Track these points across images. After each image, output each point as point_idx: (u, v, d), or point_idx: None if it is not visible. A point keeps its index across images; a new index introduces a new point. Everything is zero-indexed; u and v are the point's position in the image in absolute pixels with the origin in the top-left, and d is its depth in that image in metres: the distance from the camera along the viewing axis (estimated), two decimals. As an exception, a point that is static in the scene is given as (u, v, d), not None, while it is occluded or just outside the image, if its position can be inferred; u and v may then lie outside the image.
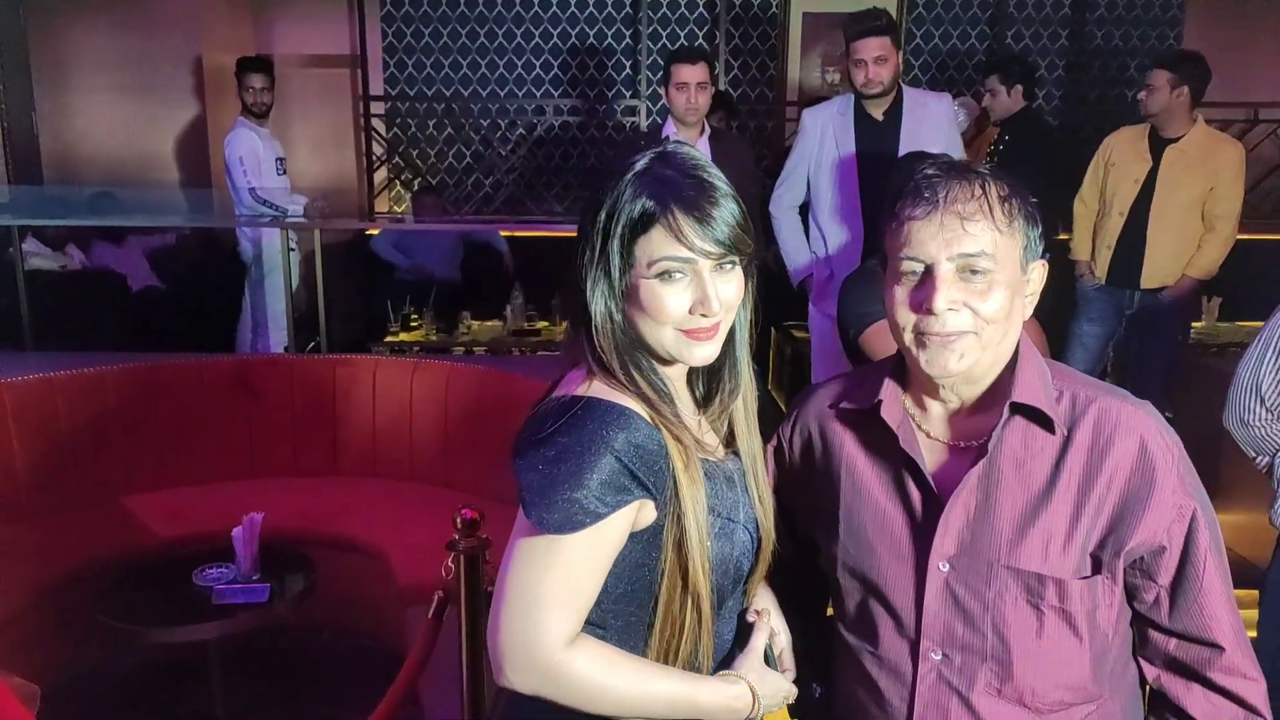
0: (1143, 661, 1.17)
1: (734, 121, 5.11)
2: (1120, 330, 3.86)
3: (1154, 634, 1.14)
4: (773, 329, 5.03)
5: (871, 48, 3.06)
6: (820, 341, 3.40)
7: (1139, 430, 1.09)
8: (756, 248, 1.10)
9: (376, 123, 5.92)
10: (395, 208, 6.08)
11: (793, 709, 1.26)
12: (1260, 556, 3.23)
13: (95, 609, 2.54)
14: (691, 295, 1.05)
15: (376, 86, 5.92)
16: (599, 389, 1.06)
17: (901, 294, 1.11)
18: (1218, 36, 5.88)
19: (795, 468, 1.30)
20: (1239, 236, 5.04)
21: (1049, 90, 6.01)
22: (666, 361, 1.11)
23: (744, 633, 1.18)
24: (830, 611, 1.30)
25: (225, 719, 2.66)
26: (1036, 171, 3.91)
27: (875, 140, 3.15)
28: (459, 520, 1.81)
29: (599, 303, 1.07)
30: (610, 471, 1.01)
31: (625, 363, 1.07)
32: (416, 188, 5.91)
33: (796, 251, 3.34)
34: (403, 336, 4.76)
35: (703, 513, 1.06)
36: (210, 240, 5.40)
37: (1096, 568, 1.09)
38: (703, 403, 1.18)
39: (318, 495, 3.34)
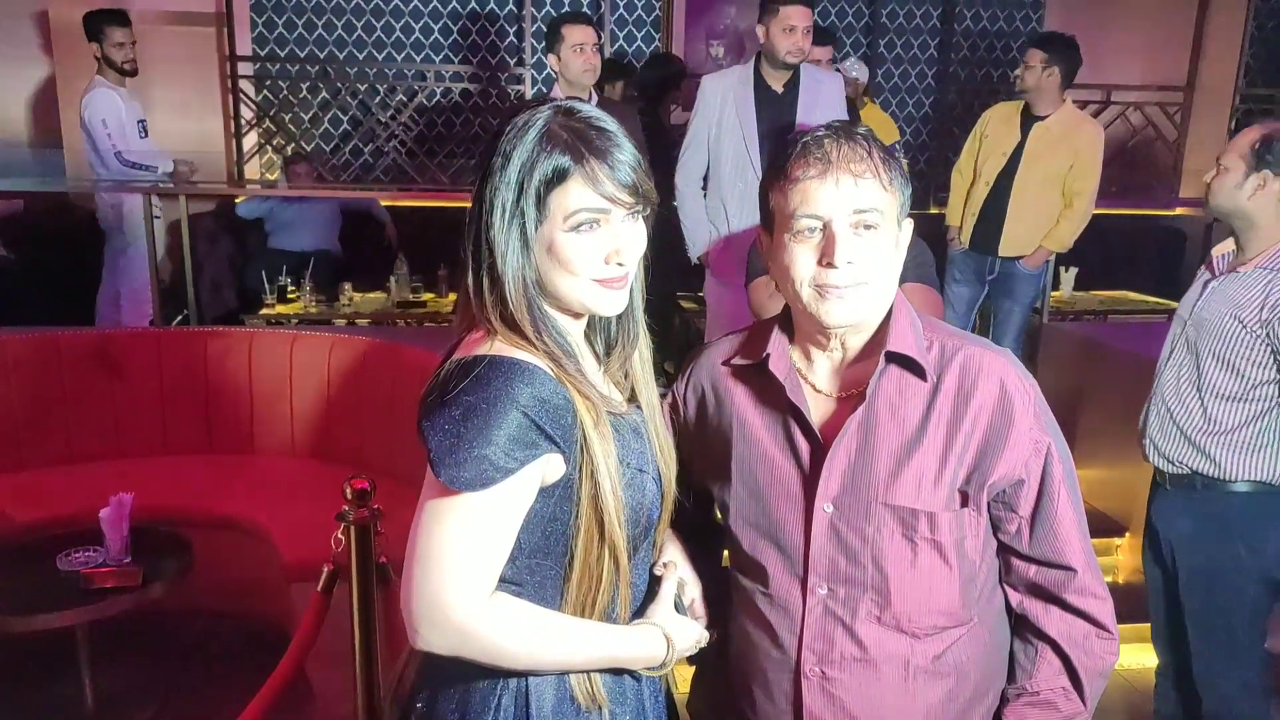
0: (1008, 588, 1.26)
1: (633, 91, 5.06)
2: (983, 292, 4.08)
3: (1016, 562, 1.23)
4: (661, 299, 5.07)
5: (804, 16, 3.09)
6: (716, 309, 3.44)
7: (999, 374, 1.18)
8: (654, 200, 1.12)
9: (245, 85, 5.63)
10: (267, 175, 5.81)
11: (690, 655, 1.29)
12: (1116, 508, 3.49)
13: (-55, 599, 2.36)
14: (606, 245, 1.06)
15: (244, 46, 5.62)
16: (501, 347, 1.05)
17: (800, 250, 1.15)
18: (1076, 20, 6.21)
19: (690, 423, 1.33)
20: (1094, 212, 5.39)
21: (921, 69, 6.23)
22: (573, 316, 1.12)
23: (654, 583, 1.20)
24: (726, 560, 1.34)
25: (95, 709, 2.53)
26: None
27: (776, 111, 3.19)
28: (349, 490, 1.77)
29: (512, 259, 1.06)
30: (517, 427, 1.00)
31: (535, 319, 1.07)
32: (289, 154, 5.67)
33: (698, 226, 3.34)
34: (280, 309, 4.57)
35: (615, 466, 1.08)
36: (63, 206, 5.04)
37: (964, 501, 1.18)
38: (603, 356, 1.19)
39: (191, 473, 3.20)
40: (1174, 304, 5.17)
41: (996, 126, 3.92)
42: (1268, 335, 1.98)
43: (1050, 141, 3.79)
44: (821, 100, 3.21)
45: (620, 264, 1.07)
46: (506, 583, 1.07)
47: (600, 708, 1.12)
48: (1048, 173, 3.80)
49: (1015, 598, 1.25)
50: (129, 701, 2.59)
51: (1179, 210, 5.82)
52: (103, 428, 3.31)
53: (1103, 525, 3.46)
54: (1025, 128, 3.84)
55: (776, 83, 3.21)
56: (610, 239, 1.06)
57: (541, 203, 1.04)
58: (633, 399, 1.19)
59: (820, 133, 1.15)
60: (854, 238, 1.13)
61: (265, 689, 1.72)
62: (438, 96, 5.84)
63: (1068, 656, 1.21)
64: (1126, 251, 5.69)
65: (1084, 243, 4.33)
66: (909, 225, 1.21)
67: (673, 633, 1.15)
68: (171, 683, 2.66)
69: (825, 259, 1.13)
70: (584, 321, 1.15)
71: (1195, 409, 2.11)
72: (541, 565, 1.09)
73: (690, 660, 1.39)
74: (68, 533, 2.62)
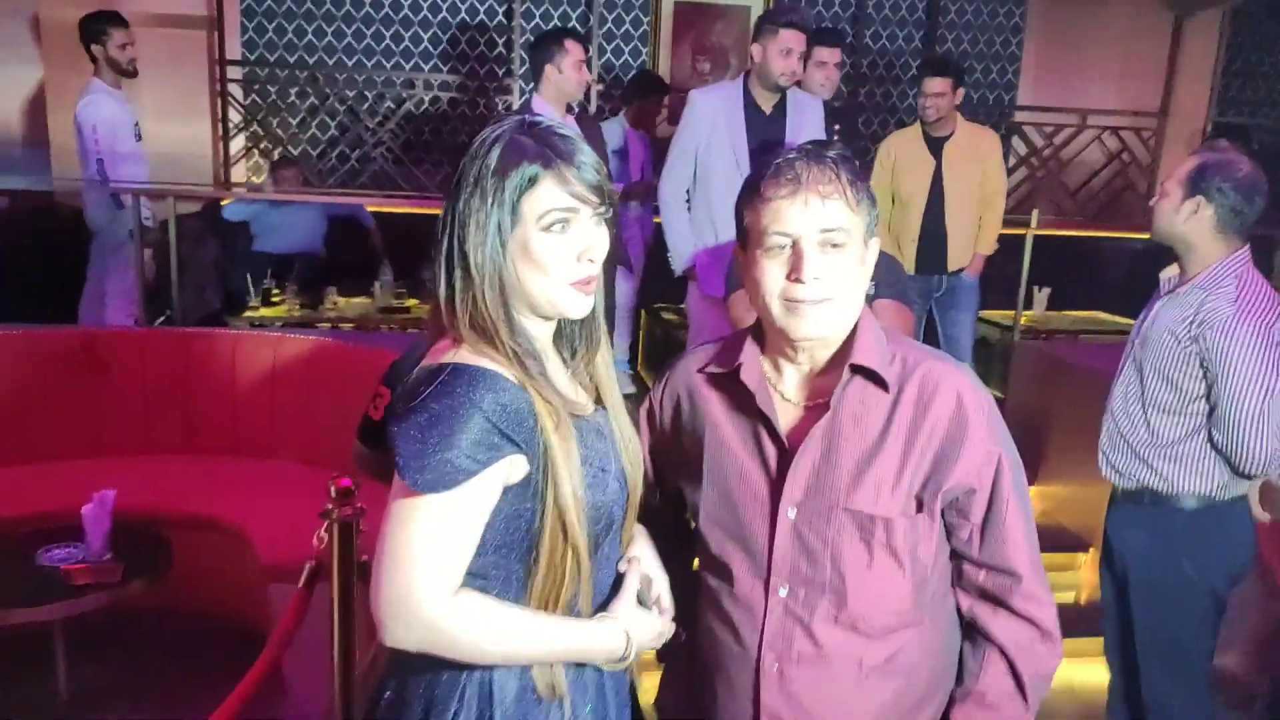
0: (959, 593, 1.32)
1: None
2: (926, 311, 4.21)
3: (967, 567, 1.30)
4: (642, 311, 5.12)
5: (801, 40, 3.16)
6: (700, 321, 3.49)
7: (956, 387, 1.24)
8: (616, 206, 1.20)
9: (234, 89, 5.66)
10: (253, 178, 5.84)
11: (659, 653, 1.34)
12: (1081, 525, 3.57)
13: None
14: (577, 243, 1.13)
15: (234, 51, 5.65)
16: (465, 355, 1.11)
17: (771, 266, 1.22)
18: (1054, 45, 6.36)
19: (665, 427, 1.39)
20: (1067, 233, 5.49)
21: (903, 88, 6.33)
22: (543, 320, 1.18)
23: (620, 580, 1.24)
24: (696, 562, 1.39)
25: (70, 705, 2.55)
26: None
27: (766, 131, 3.25)
28: (333, 489, 1.81)
29: (487, 265, 1.12)
30: (480, 431, 1.06)
31: (509, 319, 1.13)
32: (276, 158, 5.69)
33: (683, 240, 3.37)
34: (264, 312, 4.59)
35: (576, 467, 1.13)
36: (47, 205, 5.04)
37: (919, 507, 1.23)
38: (569, 360, 1.24)
39: (172, 473, 3.22)
40: (1143, 325, 5.32)
41: (906, 155, 4.08)
42: (1197, 348, 2.08)
43: (962, 158, 4.01)
44: (806, 123, 3.28)
45: (591, 260, 1.14)
46: (473, 576, 1.12)
47: (560, 698, 1.17)
48: (968, 186, 4.03)
49: (965, 602, 1.31)
50: (105, 697, 2.60)
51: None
52: (85, 426, 3.33)
53: (1066, 541, 3.54)
54: (934, 149, 4.03)
55: (766, 103, 3.28)
56: (581, 237, 1.13)
57: (515, 208, 1.11)
58: (600, 402, 1.25)
59: (792, 155, 1.21)
60: (821, 255, 1.19)
61: (246, 680, 1.75)
62: (425, 104, 5.89)
63: (1013, 661, 1.26)
64: (1100, 273, 5.80)
65: (1058, 264, 4.44)
66: (875, 244, 1.27)
67: (631, 627, 1.19)
68: (147, 679, 2.67)
69: (793, 274, 1.19)
70: (552, 326, 1.20)
71: (1140, 423, 2.20)
72: (505, 561, 1.14)
73: (659, 658, 1.44)
74: (48, 529, 2.64)
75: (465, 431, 1.05)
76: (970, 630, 1.32)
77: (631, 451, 1.24)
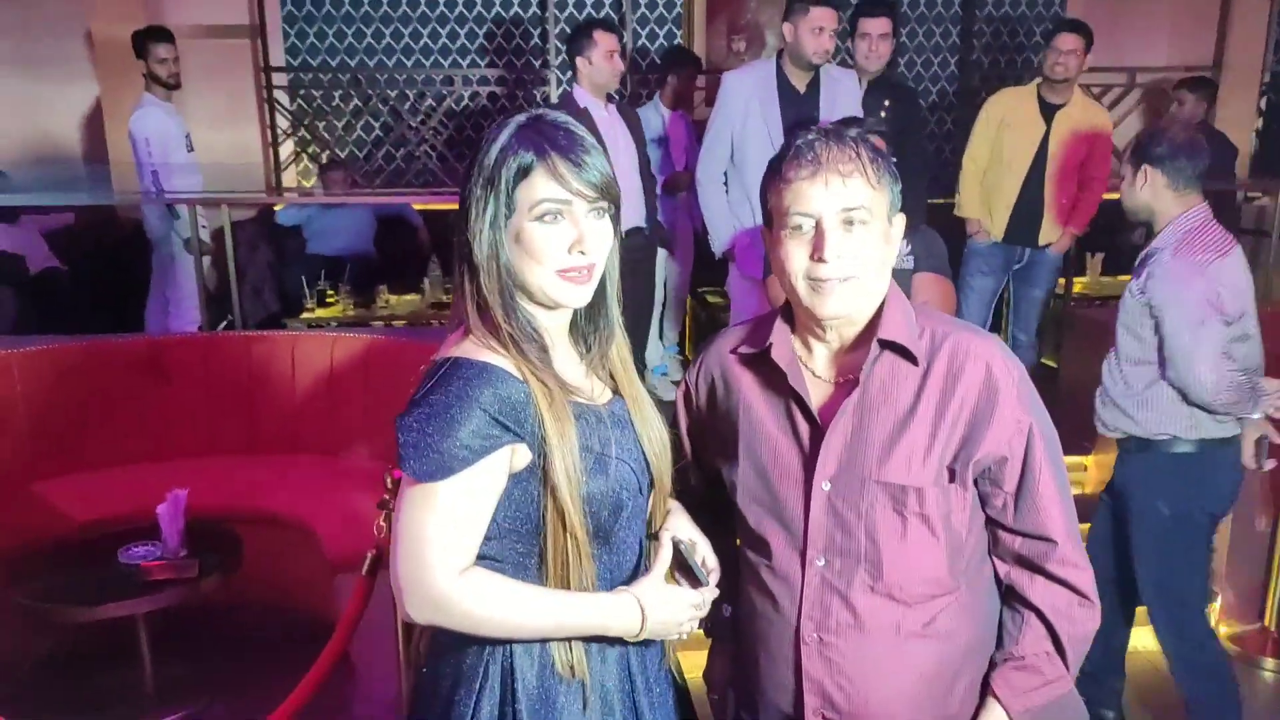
0: (996, 560, 1.34)
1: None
2: (1004, 282, 4.11)
3: (1003, 534, 1.31)
4: (688, 295, 5.14)
5: (832, 18, 3.17)
6: (741, 302, 3.51)
7: (985, 358, 1.25)
8: (620, 203, 1.22)
9: (280, 95, 5.79)
10: (304, 182, 5.98)
11: (706, 629, 1.37)
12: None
13: (13, 591, 2.51)
14: (569, 234, 1.16)
15: (277, 57, 5.78)
16: (468, 348, 1.16)
17: (794, 246, 1.25)
18: (1098, 4, 6.19)
19: (701, 408, 1.43)
20: (1118, 197, 5.34)
21: (944, 56, 6.24)
22: (547, 309, 1.21)
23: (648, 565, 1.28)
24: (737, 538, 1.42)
25: (155, 695, 2.67)
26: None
27: (800, 110, 3.25)
28: (389, 479, 1.87)
29: (484, 250, 1.16)
30: (478, 423, 1.11)
31: (506, 304, 1.17)
32: (324, 161, 5.82)
33: (722, 221, 3.39)
34: (319, 313, 4.73)
35: (571, 449, 1.16)
36: (110, 219, 5.23)
37: (951, 477, 1.25)
38: (585, 353, 1.28)
39: (238, 472, 3.33)
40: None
41: (1017, 115, 3.89)
42: (1145, 298, 2.24)
43: (1074, 129, 3.82)
44: (840, 98, 3.27)
45: (583, 252, 1.16)
46: (491, 560, 1.18)
47: (581, 678, 1.21)
48: (1072, 160, 3.84)
49: (1003, 569, 1.33)
50: (187, 687, 2.72)
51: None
52: (153, 430, 3.46)
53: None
54: (1046, 115, 3.85)
55: (800, 82, 3.28)
56: (573, 229, 1.16)
57: (510, 197, 1.15)
58: (620, 394, 1.28)
59: (811, 135, 1.24)
60: (843, 234, 1.22)
61: (317, 665, 1.83)
62: (465, 100, 5.96)
63: (1051, 624, 1.28)
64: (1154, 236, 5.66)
65: (1109, 228, 4.33)
66: (900, 220, 1.29)
67: (648, 602, 1.21)
68: (225, 670, 2.79)
69: (816, 254, 1.22)
70: (562, 315, 1.24)
71: (1118, 377, 2.36)
72: (517, 545, 1.19)
73: (706, 633, 1.48)
74: (125, 529, 2.76)
75: (463, 424, 1.10)
76: (1008, 596, 1.33)
77: (656, 440, 1.27)
